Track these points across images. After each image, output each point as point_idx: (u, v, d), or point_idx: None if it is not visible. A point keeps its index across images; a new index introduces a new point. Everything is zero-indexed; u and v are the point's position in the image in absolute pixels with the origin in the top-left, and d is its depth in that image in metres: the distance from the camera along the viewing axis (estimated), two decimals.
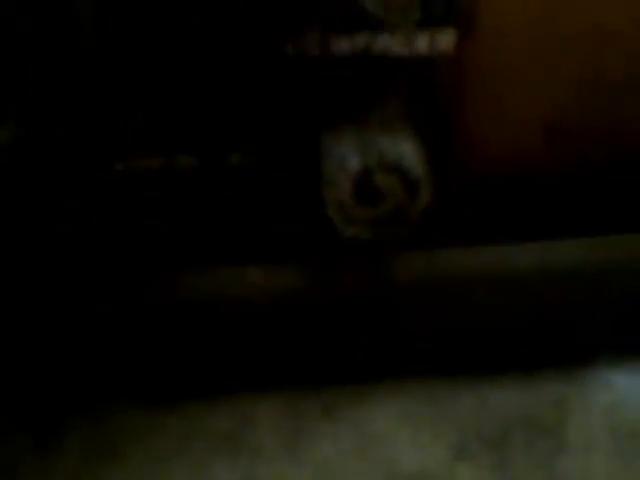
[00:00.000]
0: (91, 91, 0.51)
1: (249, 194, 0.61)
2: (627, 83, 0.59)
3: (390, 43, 0.55)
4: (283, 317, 0.62)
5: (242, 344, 0.63)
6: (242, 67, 0.55)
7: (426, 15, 0.53)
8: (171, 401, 0.63)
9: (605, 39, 0.58)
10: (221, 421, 0.62)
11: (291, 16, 0.53)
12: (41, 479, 0.59)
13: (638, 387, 0.65)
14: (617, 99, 0.60)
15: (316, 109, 0.58)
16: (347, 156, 0.55)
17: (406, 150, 0.55)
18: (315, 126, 0.58)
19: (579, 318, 0.66)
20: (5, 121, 0.48)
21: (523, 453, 0.61)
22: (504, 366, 0.66)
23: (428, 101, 0.59)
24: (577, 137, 0.61)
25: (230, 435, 0.62)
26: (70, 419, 0.61)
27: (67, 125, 0.51)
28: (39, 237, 0.59)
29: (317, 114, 0.58)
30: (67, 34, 0.47)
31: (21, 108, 0.48)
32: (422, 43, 0.55)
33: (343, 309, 0.62)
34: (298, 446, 0.61)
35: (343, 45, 0.55)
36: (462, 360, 0.66)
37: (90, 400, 0.62)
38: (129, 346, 0.62)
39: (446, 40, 0.55)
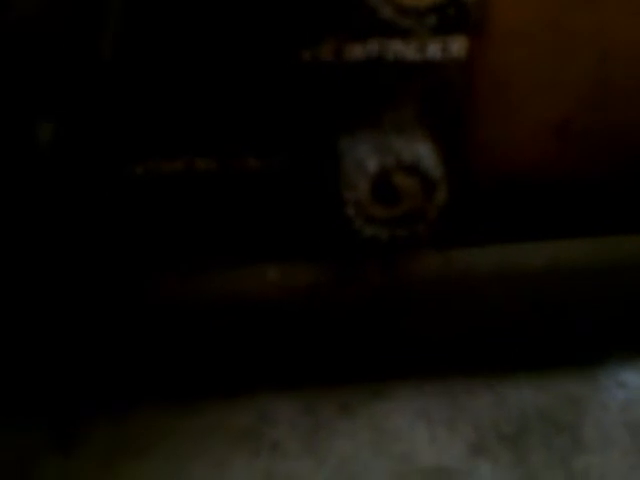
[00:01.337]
0: (114, 92, 0.53)
1: (268, 196, 0.62)
2: (636, 85, 0.60)
3: (403, 49, 0.56)
4: (301, 315, 0.63)
5: (260, 342, 0.64)
6: (261, 73, 0.57)
7: (440, 21, 0.54)
8: (191, 399, 0.64)
9: (611, 42, 0.59)
10: (240, 419, 0.63)
11: (307, 25, 0.55)
12: (64, 476, 0.60)
13: None
14: (627, 100, 0.61)
15: (333, 113, 0.59)
16: (365, 157, 0.57)
17: (423, 151, 0.56)
18: (332, 130, 0.60)
19: (593, 316, 0.67)
20: (47, 116, 0.49)
21: (541, 450, 0.61)
22: (520, 364, 0.67)
23: (441, 105, 0.60)
24: (588, 138, 0.62)
25: (249, 432, 0.62)
26: (93, 418, 0.63)
27: (94, 126, 0.52)
28: (55, 236, 0.60)
29: (334, 118, 0.59)
30: (93, 35, 0.49)
31: (61, 104, 0.49)
32: (434, 49, 0.56)
33: (361, 307, 0.63)
34: (316, 443, 0.62)
35: (357, 51, 0.56)
36: (478, 358, 0.67)
37: (113, 399, 0.64)
38: (149, 345, 0.63)
39: (458, 46, 0.56)
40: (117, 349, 0.63)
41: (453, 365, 0.66)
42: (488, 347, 0.66)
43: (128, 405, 0.64)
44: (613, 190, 0.65)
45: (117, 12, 0.49)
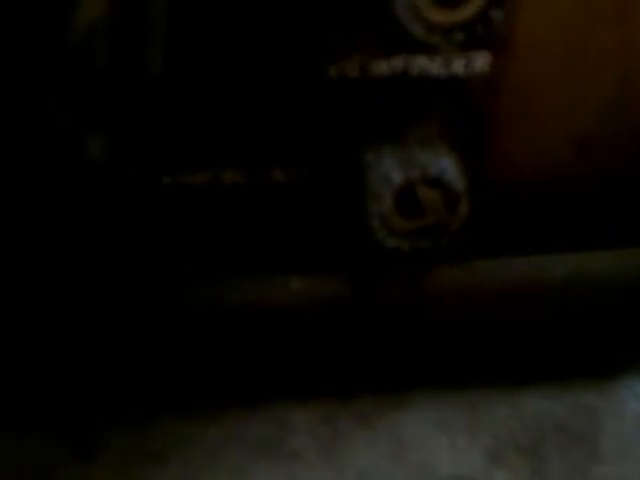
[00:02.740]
0: (157, 107, 0.54)
1: (292, 208, 0.63)
2: None
3: (427, 64, 0.57)
4: (322, 326, 0.63)
5: (280, 352, 0.65)
6: (288, 88, 0.58)
7: (467, 38, 0.55)
8: (209, 408, 0.65)
9: (635, 58, 0.60)
10: (258, 428, 0.64)
11: (335, 42, 0.56)
12: None
13: None
14: None
15: (358, 127, 0.60)
16: (390, 171, 0.58)
17: (446, 165, 0.57)
18: (357, 143, 0.61)
19: (611, 328, 0.67)
20: (97, 132, 0.51)
21: (558, 460, 0.62)
22: (537, 375, 0.67)
23: (464, 119, 0.61)
24: (610, 153, 0.63)
25: (268, 442, 0.63)
26: (113, 427, 0.63)
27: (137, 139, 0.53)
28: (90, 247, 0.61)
29: (359, 132, 0.60)
30: (142, 54, 0.50)
31: (111, 120, 0.50)
32: (458, 64, 0.57)
33: (382, 319, 0.64)
34: (336, 453, 0.62)
35: (382, 67, 0.57)
36: (497, 369, 0.67)
37: (131, 408, 0.64)
38: (169, 354, 0.64)
39: (482, 61, 0.57)
40: (138, 357, 0.63)
41: (472, 377, 0.67)
42: (507, 359, 0.67)
43: (147, 414, 0.64)
44: (634, 204, 0.65)
45: (162, 33, 0.50)
